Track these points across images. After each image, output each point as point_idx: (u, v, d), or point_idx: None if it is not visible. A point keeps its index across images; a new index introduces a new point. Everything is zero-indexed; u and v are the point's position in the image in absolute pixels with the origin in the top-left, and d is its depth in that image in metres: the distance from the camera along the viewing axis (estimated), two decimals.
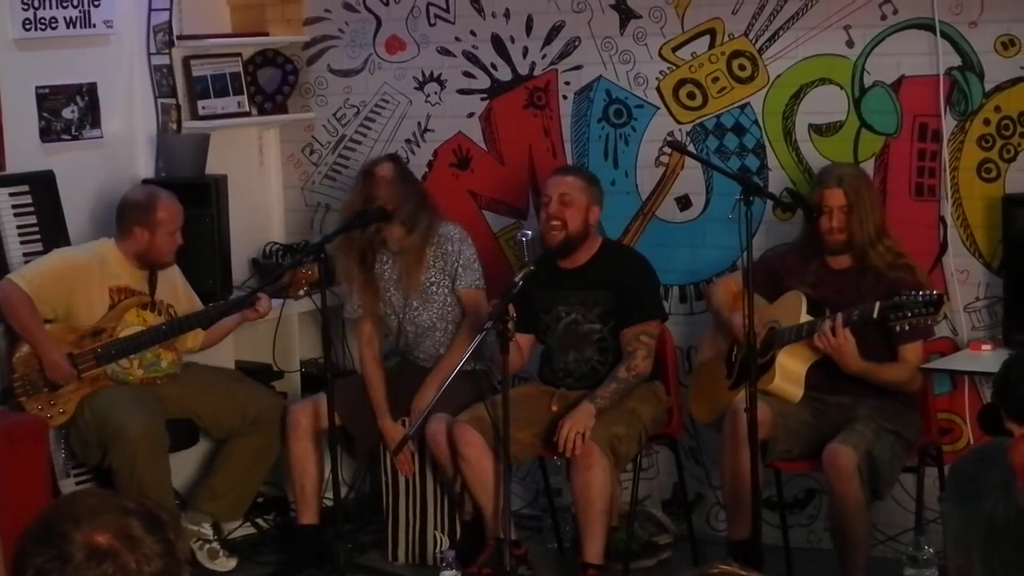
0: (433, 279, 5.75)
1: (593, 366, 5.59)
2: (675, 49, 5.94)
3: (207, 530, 5.78)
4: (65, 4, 5.96)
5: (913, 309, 4.87)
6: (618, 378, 5.43)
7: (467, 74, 6.36)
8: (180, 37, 6.36)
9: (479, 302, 5.69)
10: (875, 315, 4.94)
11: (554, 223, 5.48)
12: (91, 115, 6.13)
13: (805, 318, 5.16)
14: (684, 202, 6.02)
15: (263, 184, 6.82)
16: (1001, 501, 2.27)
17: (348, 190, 5.97)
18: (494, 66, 6.31)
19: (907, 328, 4.95)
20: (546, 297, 5.56)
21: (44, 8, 5.90)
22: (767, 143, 5.82)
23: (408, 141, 6.51)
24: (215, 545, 5.79)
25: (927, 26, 5.45)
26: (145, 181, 6.11)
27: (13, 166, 5.85)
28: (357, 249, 5.75)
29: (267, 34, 6.63)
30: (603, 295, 5.52)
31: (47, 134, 6.00)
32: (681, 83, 5.95)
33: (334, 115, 6.69)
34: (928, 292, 4.90)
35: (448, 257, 5.73)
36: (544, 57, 6.20)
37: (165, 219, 5.64)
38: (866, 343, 5.09)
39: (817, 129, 5.72)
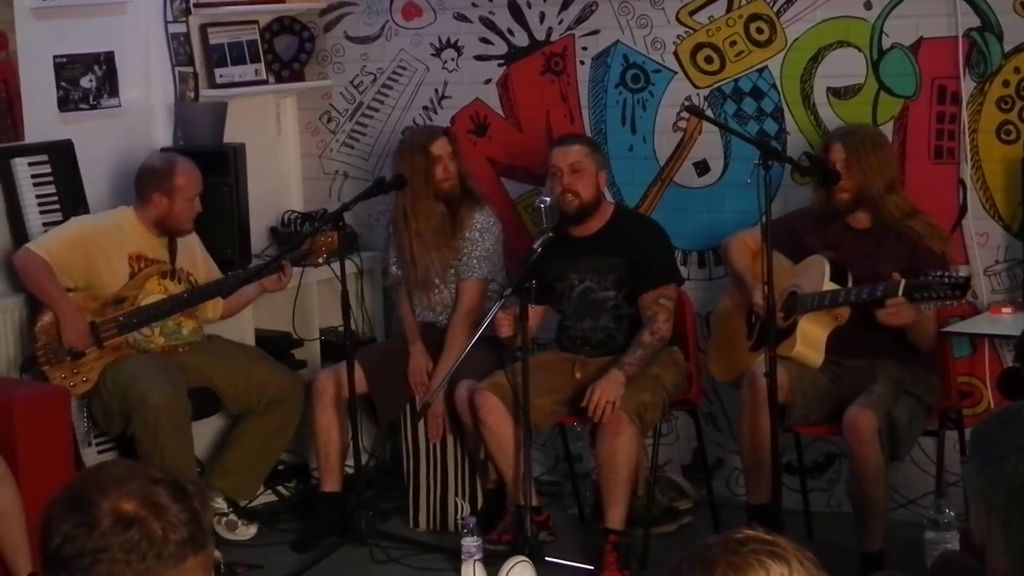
0: (452, 263, 5.79)
1: (609, 333, 5.59)
2: (692, 13, 5.92)
3: (220, 504, 5.78)
4: None
5: (939, 291, 4.83)
6: (643, 344, 5.44)
7: (484, 40, 6.35)
8: (197, 5, 6.36)
9: (477, 293, 5.74)
10: (900, 293, 4.92)
11: (569, 195, 5.49)
12: (109, 84, 6.14)
13: (828, 285, 5.15)
14: (702, 167, 6.01)
15: (281, 152, 6.82)
16: (1021, 464, 2.27)
17: (396, 160, 5.89)
18: (511, 32, 6.30)
19: (931, 308, 4.94)
20: (558, 266, 5.56)
21: None
22: (785, 107, 5.80)
23: (425, 108, 6.50)
24: (232, 517, 5.80)
25: None
26: (163, 150, 6.13)
27: (32, 136, 5.86)
28: (405, 218, 5.80)
29: (284, 1, 6.62)
30: (617, 262, 5.53)
31: (65, 103, 6.00)
32: (699, 47, 5.94)
33: (351, 82, 6.69)
34: (955, 275, 4.85)
35: (464, 243, 5.75)
36: (561, 22, 6.19)
37: (184, 185, 5.65)
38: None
39: (835, 92, 5.70)
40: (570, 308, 5.64)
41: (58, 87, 5.98)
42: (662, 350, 5.50)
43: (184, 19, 6.35)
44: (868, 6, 5.60)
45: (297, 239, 5.86)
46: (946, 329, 5.33)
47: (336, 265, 5.57)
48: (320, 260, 5.67)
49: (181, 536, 1.98)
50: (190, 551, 1.99)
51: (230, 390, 5.77)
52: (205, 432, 5.95)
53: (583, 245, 5.57)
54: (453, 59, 6.43)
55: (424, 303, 5.91)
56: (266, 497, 6.08)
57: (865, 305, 5.05)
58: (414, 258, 5.83)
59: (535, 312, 5.59)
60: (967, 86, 5.44)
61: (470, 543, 5.12)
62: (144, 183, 5.69)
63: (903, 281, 4.89)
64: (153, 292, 5.66)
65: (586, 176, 5.50)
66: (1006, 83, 5.40)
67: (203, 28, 6.42)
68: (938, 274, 4.85)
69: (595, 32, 6.13)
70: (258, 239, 6.48)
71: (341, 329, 5.69)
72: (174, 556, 1.98)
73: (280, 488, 6.16)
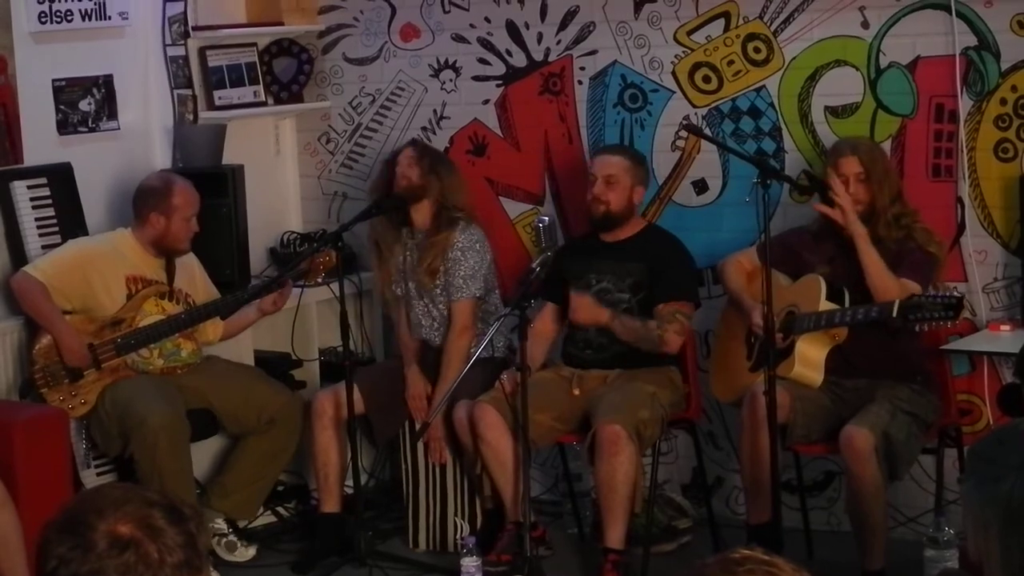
0: (439, 284, 5.79)
1: (611, 336, 5.57)
2: (690, 33, 5.94)
3: (220, 524, 5.78)
4: None
5: (933, 312, 4.83)
6: (647, 324, 5.46)
7: (482, 61, 6.36)
8: (195, 28, 6.37)
9: (467, 313, 5.73)
10: (894, 314, 4.92)
11: (598, 203, 5.54)
12: (108, 107, 6.15)
13: (824, 305, 5.15)
14: (701, 186, 6.01)
15: (280, 173, 6.83)
16: (1018, 483, 2.27)
17: (372, 180, 6.00)
18: (509, 52, 6.31)
19: (926, 329, 4.94)
20: (580, 266, 5.59)
21: (59, 1, 5.91)
22: (783, 126, 5.81)
23: (424, 128, 6.51)
24: (232, 538, 5.79)
25: (942, 6, 5.44)
26: (161, 171, 6.13)
27: (31, 159, 5.86)
28: (382, 237, 5.85)
29: (282, 23, 6.63)
30: (638, 267, 5.55)
31: (64, 126, 6.01)
32: (696, 67, 5.95)
33: (350, 103, 6.70)
34: (948, 296, 4.86)
35: (448, 265, 5.75)
36: (559, 43, 6.20)
37: (181, 204, 5.66)
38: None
39: (833, 111, 5.71)
40: None
41: (57, 110, 5.98)
42: (657, 370, 5.50)
43: (183, 42, 6.36)
44: (865, 25, 5.61)
45: (296, 259, 5.86)
46: (945, 347, 5.33)
47: (335, 285, 5.57)
48: (319, 279, 5.69)
49: (177, 559, 1.98)
50: (186, 574, 1.99)
51: (229, 411, 5.77)
52: (204, 454, 5.95)
53: (608, 249, 5.60)
54: (451, 80, 6.44)
55: (430, 317, 5.90)
56: (265, 518, 6.07)
57: (861, 325, 5.06)
58: (390, 277, 5.87)
59: (553, 312, 5.62)
60: (964, 104, 5.45)
61: (469, 563, 5.11)
62: (142, 203, 5.70)
63: (897, 301, 4.90)
64: (151, 313, 5.66)
65: (619, 188, 5.55)
66: (1003, 101, 5.40)
67: (202, 51, 6.43)
68: (932, 295, 4.87)
69: (593, 52, 6.14)
70: (257, 260, 6.48)
71: (340, 349, 5.69)
72: None
73: (279, 509, 6.15)
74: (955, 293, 4.89)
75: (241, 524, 5.89)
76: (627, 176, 5.57)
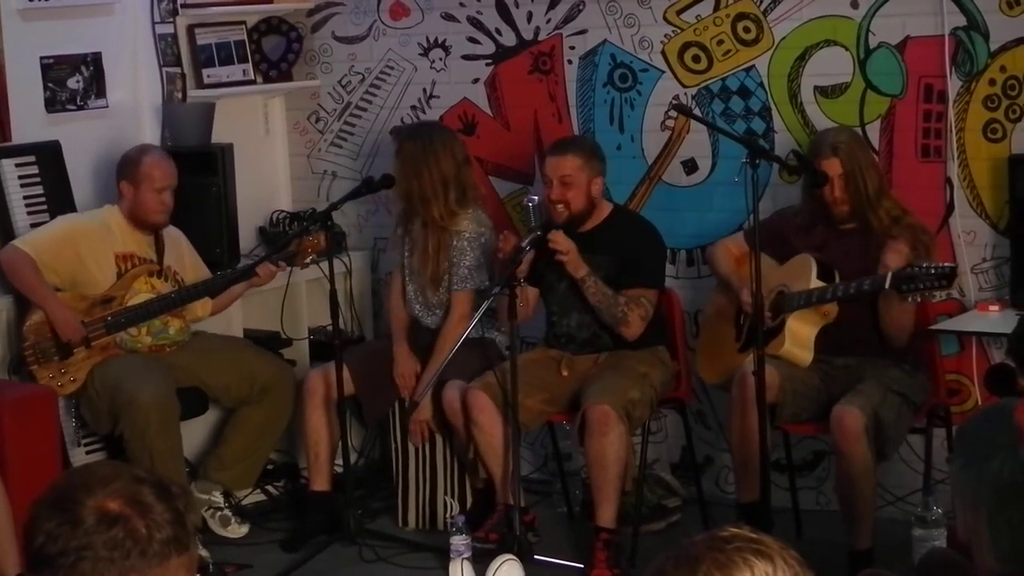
0: (443, 276, 5.78)
1: (594, 332, 5.58)
2: (680, 12, 5.93)
3: (217, 498, 5.80)
4: None
5: (926, 282, 4.84)
6: (616, 297, 5.42)
7: (472, 40, 6.35)
8: (184, 5, 6.36)
9: (467, 303, 5.72)
10: (887, 286, 4.93)
11: (558, 207, 5.47)
12: (96, 85, 6.13)
13: (815, 283, 5.15)
14: (690, 166, 6.01)
15: (269, 152, 6.82)
16: (1007, 462, 2.28)
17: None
18: (499, 31, 6.30)
19: (919, 300, 4.95)
20: (551, 257, 5.55)
21: None
22: (773, 106, 5.81)
23: (414, 107, 6.50)
24: (227, 512, 5.81)
25: None
26: None
27: (19, 136, 5.86)
28: (401, 213, 5.87)
29: (271, 1, 6.62)
30: (607, 260, 5.52)
31: (52, 104, 6.00)
32: (686, 46, 5.94)
33: (339, 82, 6.69)
34: (941, 265, 4.86)
35: (454, 253, 5.73)
36: (549, 22, 6.19)
37: (149, 175, 5.61)
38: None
39: (823, 91, 5.71)
40: (556, 301, 5.64)
41: (45, 88, 5.97)
42: (647, 351, 5.50)
43: (171, 20, 6.35)
44: (855, 5, 5.60)
45: (285, 239, 5.86)
46: (934, 327, 5.34)
47: (325, 265, 5.57)
48: (307, 261, 5.68)
49: (165, 535, 1.99)
50: (174, 551, 2.00)
51: (221, 384, 5.77)
52: (194, 432, 5.95)
53: (578, 240, 5.54)
54: (441, 59, 6.43)
55: (422, 300, 5.88)
56: (255, 496, 6.08)
57: (852, 300, 5.06)
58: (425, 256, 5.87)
59: (532, 294, 5.61)
60: (953, 85, 5.45)
61: (459, 542, 5.12)
62: (117, 172, 5.69)
63: (890, 273, 4.90)
64: (141, 291, 5.66)
65: (576, 188, 5.45)
66: (992, 82, 5.41)
67: (190, 29, 6.41)
68: (924, 265, 4.87)
69: (583, 31, 6.13)
70: (246, 239, 6.48)
71: (330, 328, 5.69)
72: (158, 555, 1.98)
73: (269, 487, 6.16)
74: (947, 263, 4.90)
75: (237, 497, 5.90)
76: (582, 173, 5.44)
